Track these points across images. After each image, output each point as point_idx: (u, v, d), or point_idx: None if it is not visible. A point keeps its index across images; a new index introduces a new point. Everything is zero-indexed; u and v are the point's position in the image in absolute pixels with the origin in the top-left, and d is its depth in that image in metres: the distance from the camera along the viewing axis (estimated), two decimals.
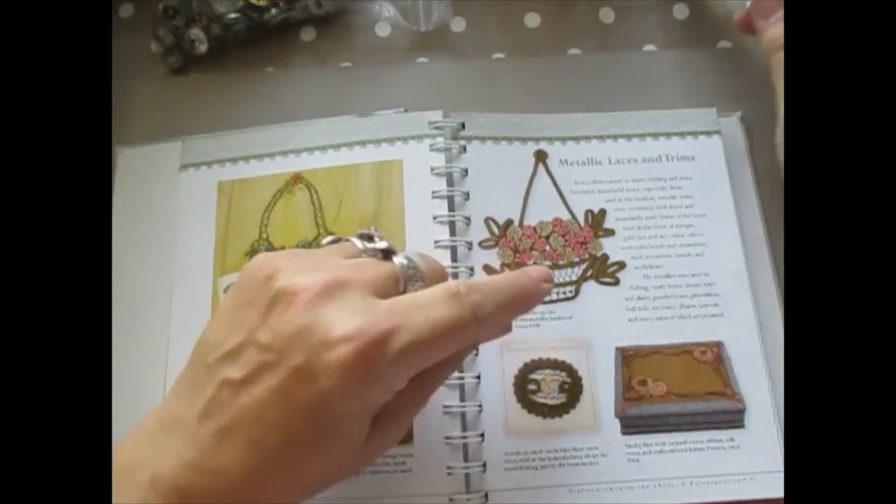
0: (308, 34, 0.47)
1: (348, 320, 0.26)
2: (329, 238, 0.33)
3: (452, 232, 0.39)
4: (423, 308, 0.28)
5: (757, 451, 0.36)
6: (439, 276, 0.32)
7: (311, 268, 0.28)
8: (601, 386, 0.37)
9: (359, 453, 0.28)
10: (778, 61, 0.37)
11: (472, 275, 0.39)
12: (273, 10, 0.46)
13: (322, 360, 0.26)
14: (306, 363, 0.26)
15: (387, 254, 0.32)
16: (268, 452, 0.26)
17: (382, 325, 0.26)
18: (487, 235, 0.40)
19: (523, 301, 0.31)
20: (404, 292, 0.30)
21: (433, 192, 0.40)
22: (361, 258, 0.31)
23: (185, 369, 0.29)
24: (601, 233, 0.40)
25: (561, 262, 0.40)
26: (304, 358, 0.26)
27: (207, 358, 0.28)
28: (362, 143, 0.41)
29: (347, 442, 0.27)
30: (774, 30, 0.38)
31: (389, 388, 0.27)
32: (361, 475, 0.35)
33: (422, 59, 0.47)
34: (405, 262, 0.30)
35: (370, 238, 0.32)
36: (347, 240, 0.33)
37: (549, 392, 0.37)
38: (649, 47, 0.47)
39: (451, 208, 0.40)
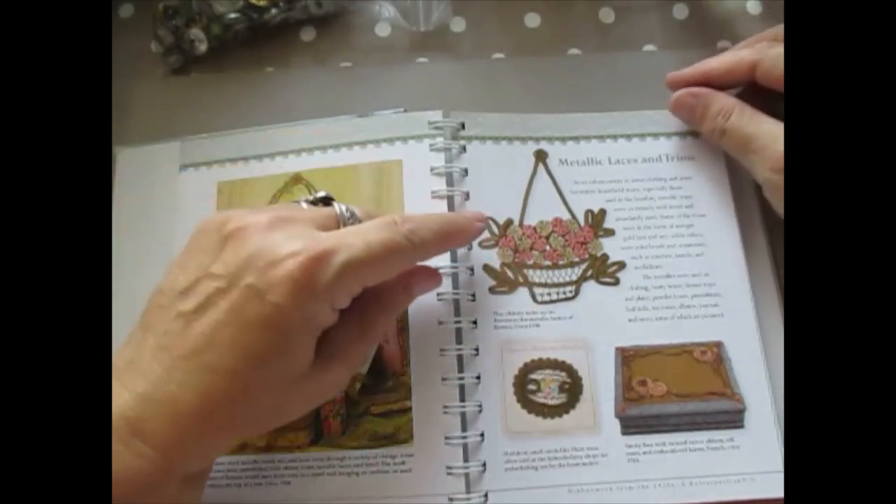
0: (308, 34, 0.47)
1: (294, 241, 0.29)
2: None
3: None
4: (361, 233, 0.31)
5: (757, 452, 0.36)
6: None
7: (258, 211, 0.31)
8: (601, 386, 0.37)
9: (306, 381, 0.30)
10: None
11: (472, 275, 0.39)
12: (273, 10, 0.46)
13: (271, 276, 0.28)
14: (255, 282, 0.28)
15: (326, 202, 0.35)
16: (219, 375, 0.27)
17: (324, 244, 0.29)
18: (487, 235, 0.40)
19: (455, 233, 0.35)
20: None
21: (433, 192, 0.40)
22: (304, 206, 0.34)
23: (137, 322, 0.30)
24: (601, 233, 0.40)
25: (561, 262, 0.40)
26: (253, 278, 0.28)
27: (161, 301, 0.30)
28: (362, 144, 0.41)
29: (295, 361, 0.29)
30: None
31: (332, 303, 0.29)
32: (361, 476, 0.35)
33: (422, 59, 0.47)
34: (343, 207, 0.33)
35: (312, 201, 0.35)
36: (293, 201, 0.35)
37: (549, 392, 0.37)
38: (649, 47, 0.47)
39: (451, 208, 0.40)
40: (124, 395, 0.28)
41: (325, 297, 0.29)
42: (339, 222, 0.33)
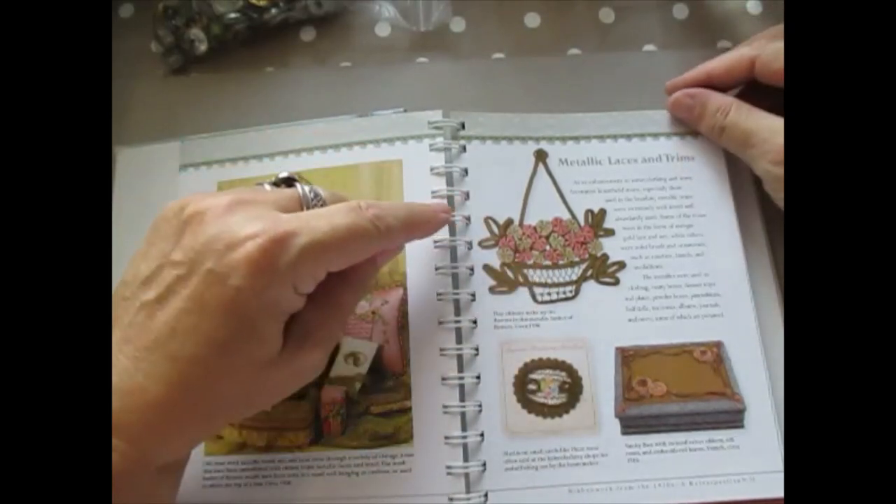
0: (308, 34, 0.47)
1: (253, 223, 0.28)
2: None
3: (452, 231, 0.39)
4: (324, 217, 0.30)
5: (757, 451, 0.36)
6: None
7: (217, 194, 0.30)
8: (601, 386, 0.37)
9: (276, 366, 0.29)
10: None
11: (472, 275, 0.39)
12: (273, 10, 0.46)
13: (230, 260, 0.28)
14: (215, 266, 0.28)
15: (289, 182, 0.34)
16: (184, 363, 0.27)
17: (285, 226, 0.28)
18: (487, 235, 0.40)
19: (421, 221, 0.35)
20: None
21: (433, 192, 0.40)
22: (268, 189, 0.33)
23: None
24: (601, 233, 0.40)
25: (561, 262, 0.40)
26: (213, 262, 0.28)
27: (125, 293, 0.29)
28: (362, 144, 0.41)
29: (261, 345, 0.28)
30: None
31: (295, 286, 0.29)
32: (361, 476, 0.35)
33: (422, 59, 0.47)
34: (307, 188, 0.33)
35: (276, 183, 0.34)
36: (257, 185, 0.34)
37: (549, 392, 0.37)
38: (649, 47, 0.47)
39: (451, 208, 0.40)
40: None
41: (286, 279, 0.28)
42: (303, 204, 0.32)
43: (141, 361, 0.27)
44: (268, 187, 0.33)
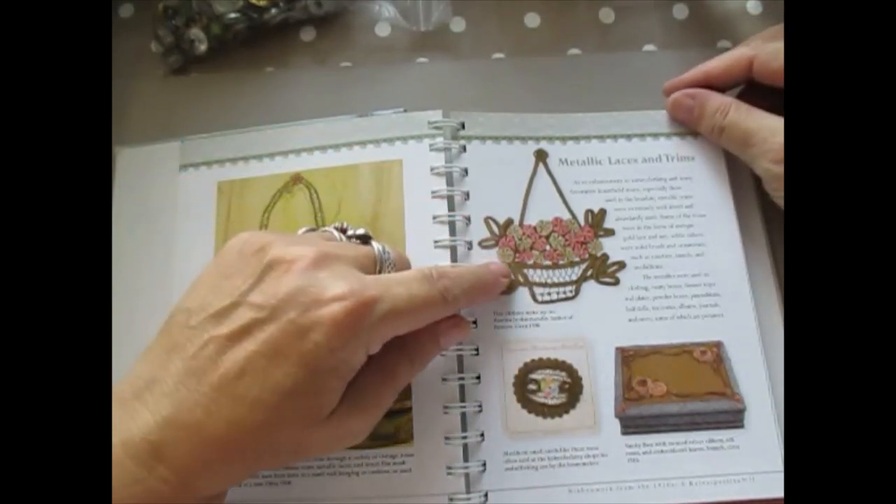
0: (308, 34, 0.47)
1: (341, 284, 0.29)
2: (305, 227, 0.36)
3: (452, 232, 0.39)
4: (403, 284, 0.31)
5: (757, 451, 0.36)
6: (406, 265, 0.36)
7: (300, 242, 0.31)
8: (601, 386, 0.37)
9: (328, 424, 0.29)
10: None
11: None
12: (273, 10, 0.46)
13: (315, 316, 0.28)
14: (298, 318, 0.28)
15: (364, 239, 0.35)
16: (247, 405, 0.27)
17: (371, 290, 0.29)
18: (487, 235, 0.40)
19: (484, 290, 0.36)
20: (380, 273, 0.33)
21: (433, 192, 0.40)
22: (343, 241, 0.34)
23: (157, 337, 0.30)
24: (601, 233, 0.40)
25: (561, 262, 0.40)
26: (296, 314, 0.28)
27: (189, 321, 0.29)
28: (362, 143, 0.41)
29: (322, 401, 0.29)
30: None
31: (367, 348, 0.29)
32: (361, 476, 0.35)
33: (422, 59, 0.47)
34: (381, 247, 0.34)
35: (343, 230, 0.35)
36: (325, 229, 0.35)
37: (549, 392, 0.37)
38: (649, 47, 0.47)
39: (451, 208, 0.40)
40: (146, 417, 0.27)
41: (363, 342, 0.29)
42: (378, 262, 0.33)
43: (203, 396, 0.27)
44: (336, 234, 0.34)
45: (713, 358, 0.38)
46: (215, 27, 0.46)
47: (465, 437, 0.36)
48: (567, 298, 0.39)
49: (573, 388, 0.37)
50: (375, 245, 0.34)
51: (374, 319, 0.29)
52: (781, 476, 0.35)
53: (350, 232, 0.35)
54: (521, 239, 0.40)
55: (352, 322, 0.28)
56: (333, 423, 0.29)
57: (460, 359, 0.37)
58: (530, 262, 0.39)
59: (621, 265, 0.40)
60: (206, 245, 0.40)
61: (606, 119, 0.43)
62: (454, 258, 0.39)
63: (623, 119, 0.43)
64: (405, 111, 0.43)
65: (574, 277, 0.39)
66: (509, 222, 0.40)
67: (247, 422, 0.27)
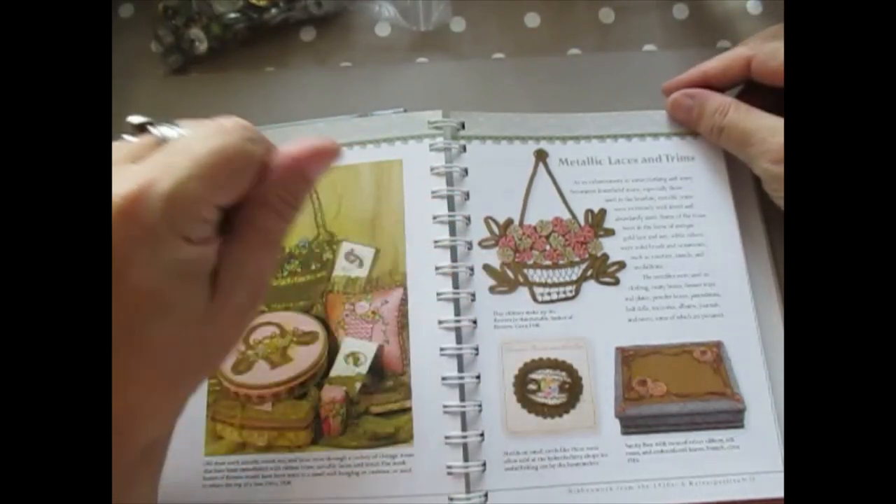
0: (308, 34, 0.47)
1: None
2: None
3: (452, 231, 0.39)
4: (182, 150, 0.26)
5: (757, 451, 0.36)
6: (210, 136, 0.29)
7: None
8: (601, 386, 0.37)
9: (206, 320, 0.26)
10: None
11: (472, 275, 0.39)
12: (273, 10, 0.46)
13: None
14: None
15: (141, 128, 0.29)
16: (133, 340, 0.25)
17: (137, 178, 0.24)
18: (487, 235, 0.40)
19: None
20: None
21: (433, 192, 0.40)
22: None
23: None
24: (601, 232, 0.40)
25: (561, 262, 0.40)
26: None
27: None
28: (362, 144, 0.41)
29: (181, 309, 0.25)
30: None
31: (185, 237, 0.25)
32: (361, 476, 0.35)
33: (422, 59, 0.47)
34: (164, 128, 0.28)
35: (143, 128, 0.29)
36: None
37: (549, 392, 0.37)
38: (649, 47, 0.47)
39: (451, 208, 0.40)
40: None
41: (167, 235, 0.24)
42: (161, 146, 0.27)
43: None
44: (128, 139, 0.29)
45: (713, 358, 0.38)
46: (215, 27, 0.46)
47: (464, 437, 0.36)
48: (567, 298, 0.39)
49: (573, 388, 0.37)
50: (157, 128, 0.28)
51: (158, 203, 0.24)
52: (781, 476, 0.35)
53: (129, 133, 0.29)
54: (521, 239, 0.40)
55: (132, 224, 0.24)
56: (218, 310, 0.26)
57: (460, 359, 0.37)
58: (530, 262, 0.39)
59: (621, 265, 0.39)
60: None
61: (606, 119, 0.43)
62: (454, 258, 0.39)
63: (623, 119, 0.43)
64: (405, 111, 0.43)
65: (574, 277, 0.39)
66: (509, 222, 0.40)
67: (119, 365, 0.25)
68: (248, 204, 0.27)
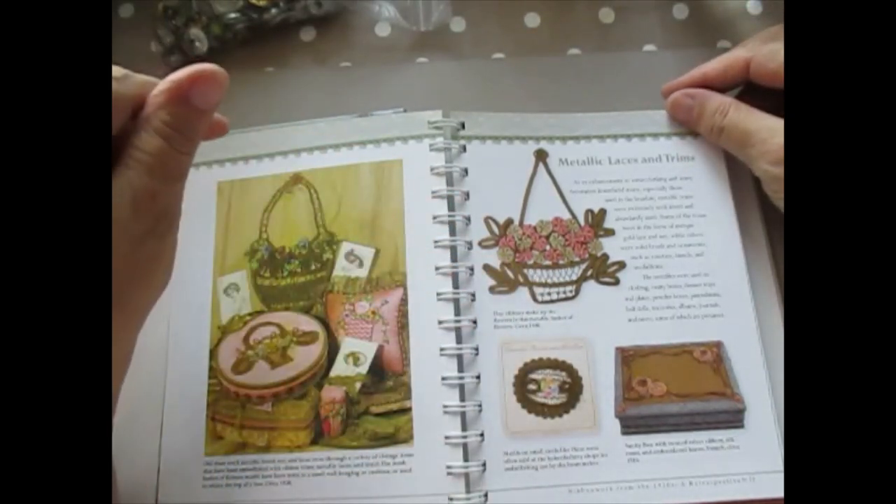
0: (308, 34, 0.47)
1: None
2: None
3: (452, 231, 0.39)
4: None
5: (757, 452, 0.36)
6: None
7: None
8: (601, 386, 0.37)
9: (130, 222, 0.29)
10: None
11: (472, 275, 0.39)
12: (273, 10, 0.46)
13: None
14: None
15: None
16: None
17: None
18: (487, 235, 0.40)
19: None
20: None
21: (433, 192, 0.40)
22: None
23: None
24: (601, 232, 0.40)
25: (561, 262, 0.40)
26: None
27: None
28: (362, 144, 0.41)
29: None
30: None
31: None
32: (361, 476, 0.35)
33: (422, 59, 0.47)
34: None
35: None
36: None
37: (549, 392, 0.37)
38: (649, 47, 0.47)
39: (451, 208, 0.40)
40: None
41: None
42: None
43: None
44: None
45: (713, 358, 0.38)
46: (215, 27, 0.46)
47: (464, 437, 0.36)
48: (567, 298, 0.39)
49: (573, 388, 0.37)
50: None
51: None
52: (781, 476, 0.35)
53: None
54: (521, 239, 0.40)
55: None
56: (118, 230, 0.29)
57: (460, 359, 0.37)
58: (530, 262, 0.39)
59: (621, 265, 0.40)
60: (206, 245, 0.40)
61: (606, 119, 0.43)
62: (454, 258, 0.39)
63: (623, 119, 0.43)
64: (405, 111, 0.43)
65: (574, 277, 0.39)
66: (509, 222, 0.40)
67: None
68: (132, 131, 0.29)
